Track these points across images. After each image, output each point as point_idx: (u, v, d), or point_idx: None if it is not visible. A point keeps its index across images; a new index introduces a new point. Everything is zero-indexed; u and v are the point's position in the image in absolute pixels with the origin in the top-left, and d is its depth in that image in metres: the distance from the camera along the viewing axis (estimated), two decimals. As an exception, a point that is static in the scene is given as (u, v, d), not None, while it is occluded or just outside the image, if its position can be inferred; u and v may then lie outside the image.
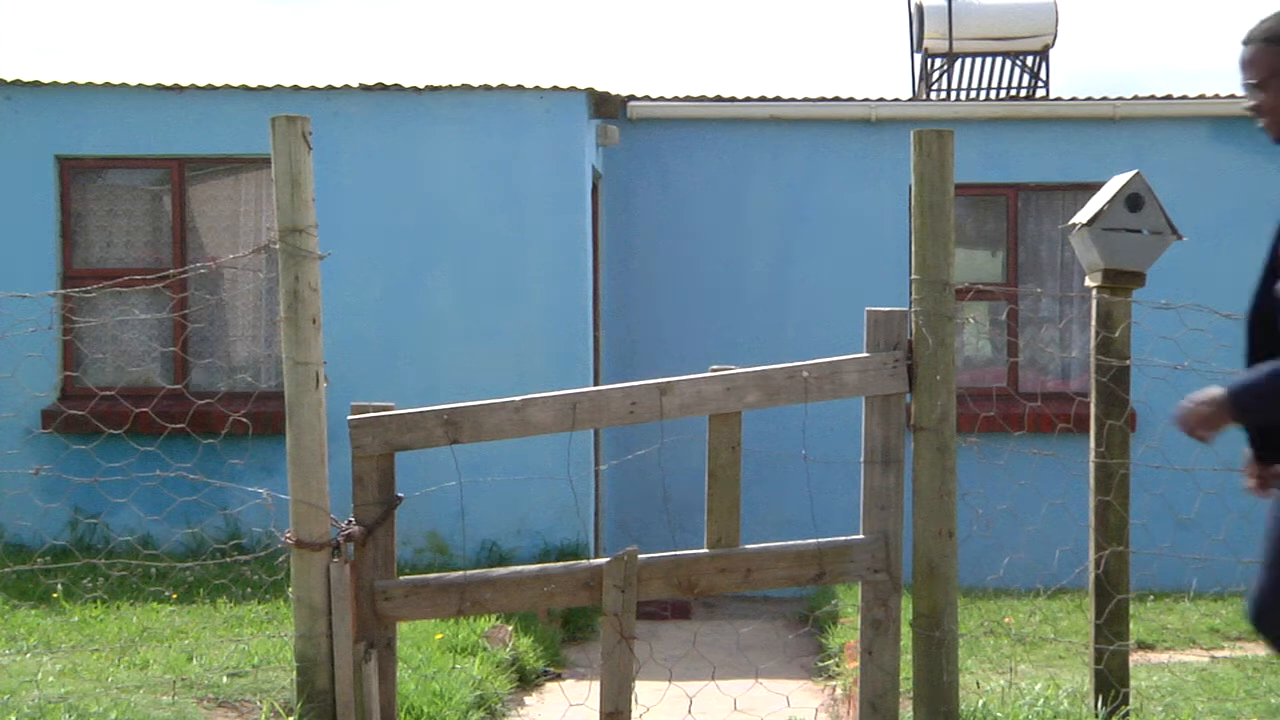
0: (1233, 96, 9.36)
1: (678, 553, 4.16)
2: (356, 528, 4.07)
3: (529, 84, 8.55)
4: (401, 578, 4.21)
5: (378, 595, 4.13)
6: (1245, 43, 3.32)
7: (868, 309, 4.24)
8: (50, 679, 4.80)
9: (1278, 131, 3.31)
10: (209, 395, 7.83)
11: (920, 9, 11.55)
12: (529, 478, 7.58)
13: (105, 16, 38.49)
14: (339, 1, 40.95)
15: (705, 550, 4.16)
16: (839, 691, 5.84)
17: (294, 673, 4.14)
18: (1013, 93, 11.64)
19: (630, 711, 4.12)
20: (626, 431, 9.09)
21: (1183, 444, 6.73)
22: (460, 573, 4.26)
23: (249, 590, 6.60)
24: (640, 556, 4.12)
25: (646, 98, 9.70)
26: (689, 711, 4.61)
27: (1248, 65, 3.29)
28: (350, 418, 4.15)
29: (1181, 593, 6.97)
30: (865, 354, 4.18)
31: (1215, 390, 3.25)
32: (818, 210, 9.65)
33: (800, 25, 38.10)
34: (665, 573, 4.14)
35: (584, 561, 4.41)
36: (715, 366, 4.22)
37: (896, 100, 9.82)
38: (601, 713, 4.19)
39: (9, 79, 8.60)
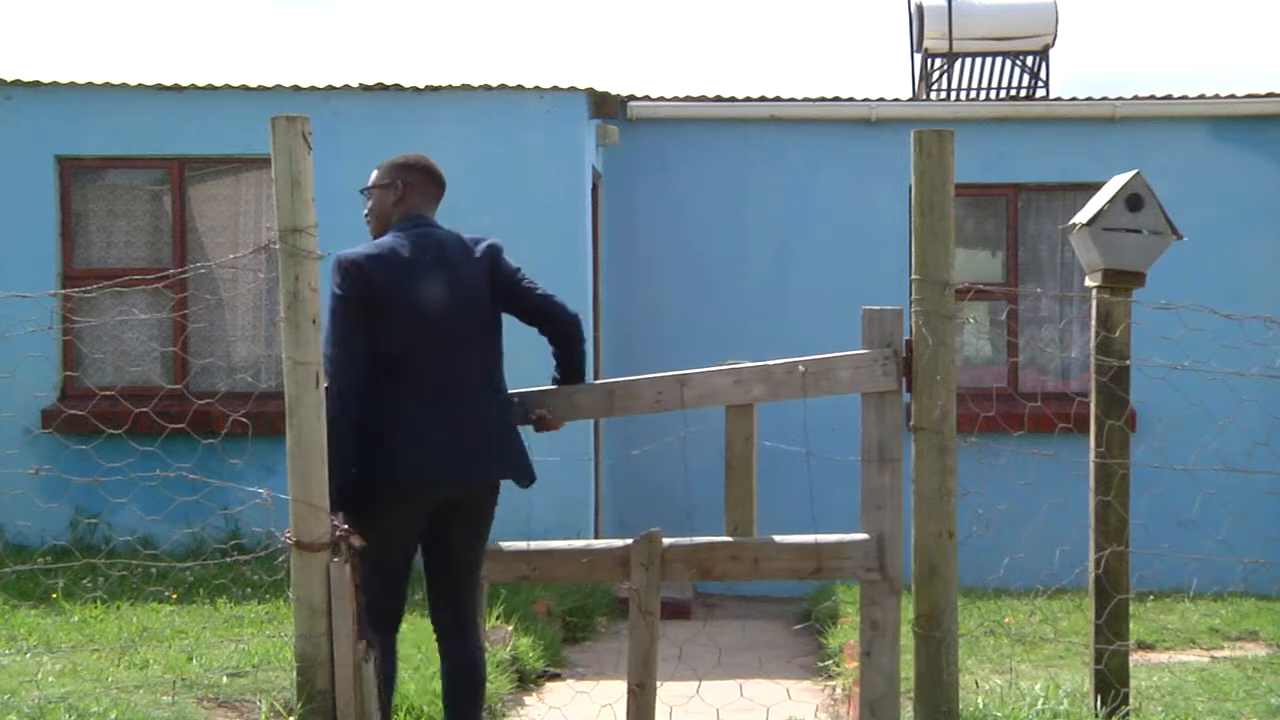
0: (1232, 96, 9.36)
1: (696, 539, 4.27)
2: (356, 527, 4.06)
3: (529, 84, 8.54)
4: (401, 578, 4.20)
5: (378, 595, 4.12)
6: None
7: (863, 308, 4.26)
8: (50, 679, 4.79)
9: (376, 228, 4.44)
10: (209, 395, 7.82)
11: (920, 9, 11.54)
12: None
13: (105, 16, 38.49)
14: (339, 1, 40.96)
15: (719, 538, 4.27)
16: (839, 691, 5.85)
17: (294, 673, 4.13)
18: (1013, 93, 11.63)
19: (655, 684, 4.19)
20: (625, 432, 9.10)
21: (1183, 444, 6.73)
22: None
23: (249, 590, 6.60)
24: (663, 541, 4.22)
25: (646, 98, 9.70)
26: (689, 710, 4.62)
27: (379, 170, 4.38)
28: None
29: (1181, 593, 6.97)
30: (858, 350, 4.20)
31: None
32: (818, 210, 9.64)
33: (800, 25, 38.09)
34: (685, 556, 4.24)
35: (609, 541, 4.49)
36: (727, 361, 4.30)
37: (896, 100, 9.82)
38: (629, 684, 4.23)
39: (9, 79, 8.59)
